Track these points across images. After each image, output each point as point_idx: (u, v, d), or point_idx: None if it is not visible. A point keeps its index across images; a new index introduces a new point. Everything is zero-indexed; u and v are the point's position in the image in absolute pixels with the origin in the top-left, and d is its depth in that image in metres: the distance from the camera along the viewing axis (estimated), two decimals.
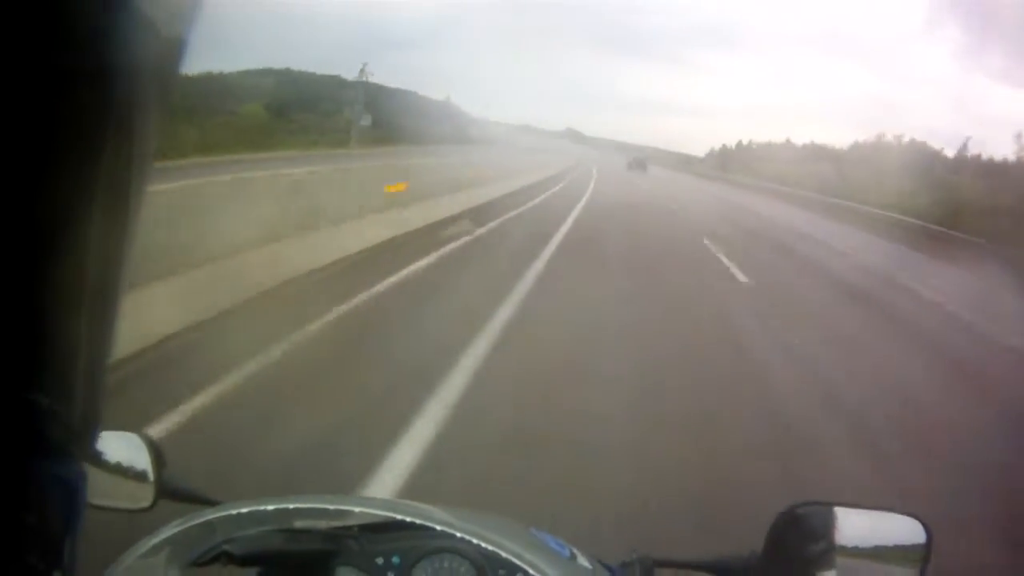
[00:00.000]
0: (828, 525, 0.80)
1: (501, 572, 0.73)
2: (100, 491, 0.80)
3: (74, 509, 0.35)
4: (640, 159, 49.47)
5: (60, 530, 0.34)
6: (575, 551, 0.79)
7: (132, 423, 0.95)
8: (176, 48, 0.31)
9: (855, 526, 0.80)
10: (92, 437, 0.36)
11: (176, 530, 0.73)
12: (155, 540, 0.72)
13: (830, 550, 0.79)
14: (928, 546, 0.78)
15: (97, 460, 0.80)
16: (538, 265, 7.50)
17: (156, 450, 0.83)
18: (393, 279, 6.13)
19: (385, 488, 2.58)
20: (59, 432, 0.34)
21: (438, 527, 0.72)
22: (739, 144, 73.64)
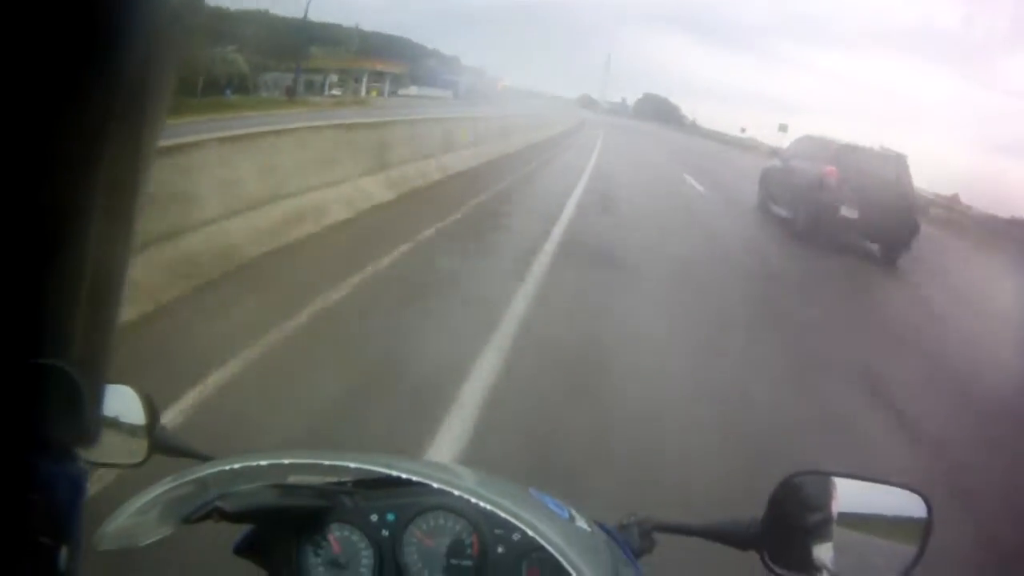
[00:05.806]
0: (827, 495, 0.79)
1: (498, 531, 0.72)
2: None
3: (77, 485, 0.36)
4: None
5: (66, 505, 0.35)
6: (574, 512, 0.78)
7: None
8: (174, 50, 0.34)
9: (854, 497, 0.79)
10: (96, 426, 0.37)
11: (169, 486, 0.72)
12: (148, 497, 0.71)
13: (828, 521, 0.78)
14: (928, 521, 0.77)
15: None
16: None
17: (150, 404, 0.81)
18: None
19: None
20: (61, 405, 0.34)
21: (435, 484, 0.71)
22: None
